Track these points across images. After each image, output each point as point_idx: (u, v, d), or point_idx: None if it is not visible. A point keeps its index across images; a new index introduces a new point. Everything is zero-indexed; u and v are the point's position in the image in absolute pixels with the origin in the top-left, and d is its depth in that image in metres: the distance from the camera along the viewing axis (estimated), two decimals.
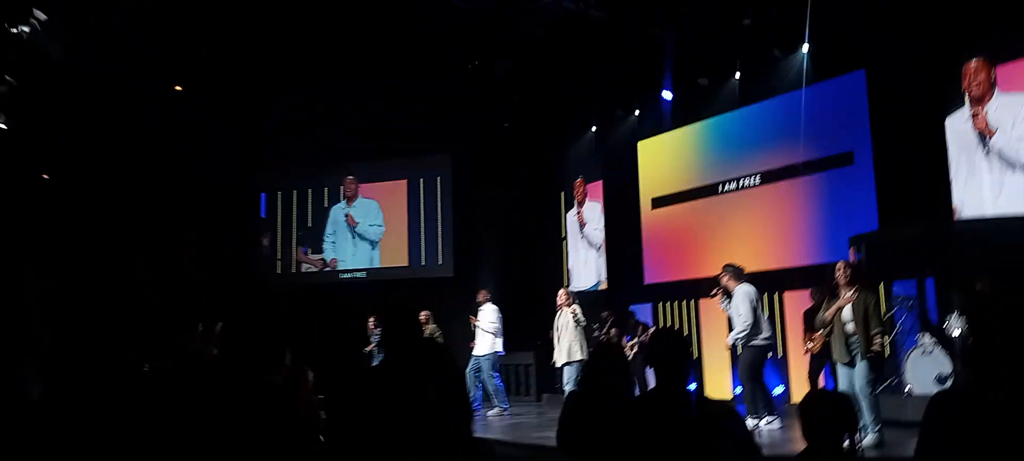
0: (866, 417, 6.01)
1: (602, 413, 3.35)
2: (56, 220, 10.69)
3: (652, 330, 10.49)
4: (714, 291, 7.96)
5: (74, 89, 10.44)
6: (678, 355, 3.13)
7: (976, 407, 2.06)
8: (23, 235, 10.17)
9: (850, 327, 6.19)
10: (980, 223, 7.91)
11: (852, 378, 6.14)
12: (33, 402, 3.29)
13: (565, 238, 13.40)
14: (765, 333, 7.38)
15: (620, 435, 3.12)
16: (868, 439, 5.95)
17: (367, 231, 13.90)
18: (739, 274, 7.67)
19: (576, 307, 8.99)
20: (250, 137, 13.65)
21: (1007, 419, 2.09)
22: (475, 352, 9.97)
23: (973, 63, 8.17)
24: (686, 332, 11.04)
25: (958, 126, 8.32)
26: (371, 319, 11.58)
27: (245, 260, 13.91)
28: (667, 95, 11.40)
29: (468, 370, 9.71)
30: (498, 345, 9.93)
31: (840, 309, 6.27)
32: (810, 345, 8.38)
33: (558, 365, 9.00)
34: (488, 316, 9.94)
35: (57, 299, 10.18)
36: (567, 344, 8.77)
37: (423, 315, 10.82)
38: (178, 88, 11.68)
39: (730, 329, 7.72)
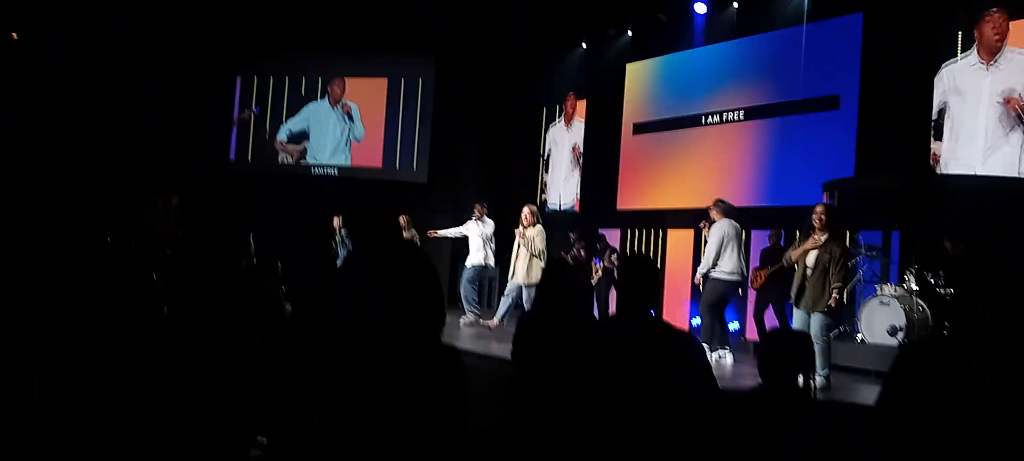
0: (817, 360, 6.12)
1: (558, 333, 3.33)
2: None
3: (619, 255, 10.53)
4: (702, 222, 8.05)
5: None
6: (648, 283, 3.10)
7: (960, 374, 2.04)
8: None
9: (809, 273, 6.20)
10: (957, 180, 7.95)
11: (807, 322, 6.20)
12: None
13: (543, 155, 13.27)
14: (729, 268, 7.41)
15: (578, 356, 3.11)
16: (818, 380, 6.07)
17: (351, 135, 13.72)
18: (727, 210, 7.72)
19: (532, 231, 8.91)
20: (225, 17, 13.15)
21: (990, 399, 2.07)
22: (468, 262, 9.98)
23: (995, 14, 8.01)
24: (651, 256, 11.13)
25: (961, 74, 8.21)
26: (338, 218, 11.44)
27: (211, 142, 13.65)
28: (661, 17, 11.19)
29: (467, 280, 9.77)
30: (486, 257, 9.89)
31: (806, 252, 6.27)
32: (756, 282, 8.55)
33: (517, 284, 8.97)
34: (488, 230, 9.90)
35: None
36: (524, 265, 8.79)
37: (403, 219, 10.71)
38: None
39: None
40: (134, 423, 2.79)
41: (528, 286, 8.66)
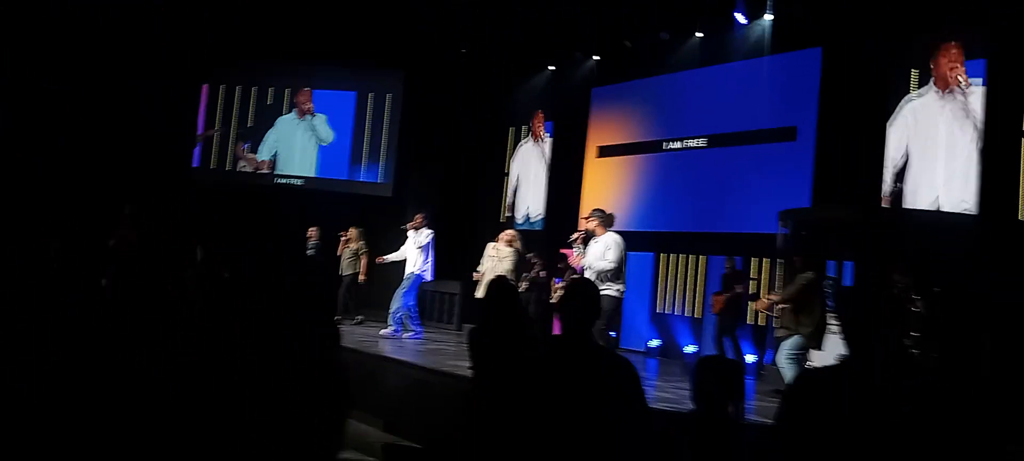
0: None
1: (501, 347, 3.39)
2: None
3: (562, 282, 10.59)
4: (574, 236, 7.29)
5: None
6: (587, 307, 3.15)
7: (835, 386, 2.13)
8: None
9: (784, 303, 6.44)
10: (908, 214, 8.15)
11: (779, 350, 6.41)
12: None
13: (507, 173, 13.33)
14: (619, 286, 6.84)
15: (519, 371, 3.17)
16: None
17: (318, 138, 13.69)
18: (610, 221, 7.15)
19: (507, 251, 8.87)
20: (193, 26, 13.10)
21: (876, 400, 2.16)
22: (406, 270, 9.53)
23: (952, 48, 8.19)
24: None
25: (921, 110, 8.41)
26: (313, 229, 11.39)
27: (176, 150, 13.54)
28: (627, 44, 11.35)
29: (403, 293, 9.36)
30: (425, 272, 9.53)
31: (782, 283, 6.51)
32: (716, 307, 8.68)
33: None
34: (422, 239, 9.47)
35: None
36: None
37: (352, 231, 10.64)
38: None
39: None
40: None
41: None
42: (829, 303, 8.16)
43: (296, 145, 13.75)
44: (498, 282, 3.80)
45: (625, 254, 6.95)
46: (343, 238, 10.71)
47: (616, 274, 6.76)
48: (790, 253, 8.21)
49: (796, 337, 6.50)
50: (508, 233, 9.07)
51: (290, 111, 13.82)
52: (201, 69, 13.73)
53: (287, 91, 13.82)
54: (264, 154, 13.76)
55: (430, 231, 9.51)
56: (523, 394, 3.08)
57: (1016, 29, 7.64)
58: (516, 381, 3.16)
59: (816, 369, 2.29)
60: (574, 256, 7.31)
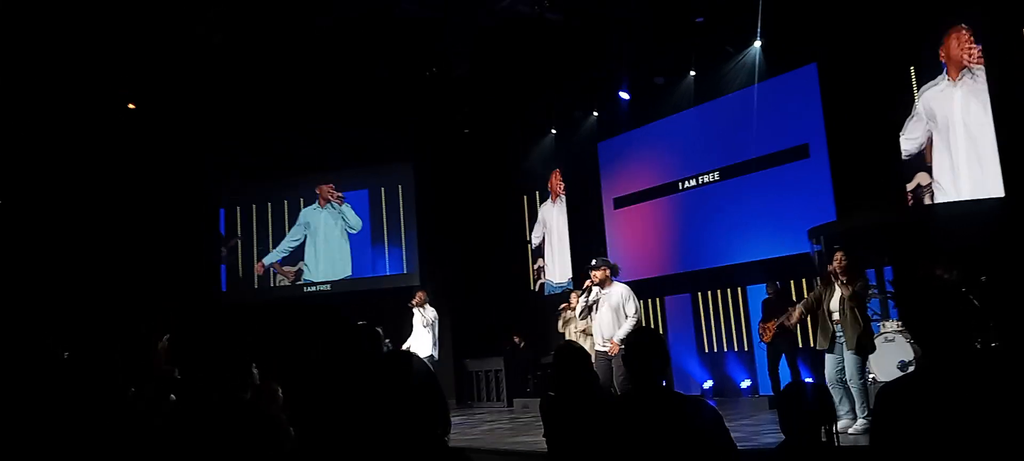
0: (857, 403, 6.12)
1: (577, 413, 3.38)
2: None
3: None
4: (585, 286, 6.82)
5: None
6: (656, 356, 3.15)
7: (926, 394, 2.10)
8: None
9: (836, 316, 6.29)
10: (941, 208, 8.12)
11: (837, 366, 6.26)
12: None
13: (529, 241, 13.39)
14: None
15: (599, 435, 3.14)
16: (858, 425, 6.06)
17: (347, 225, 13.88)
18: (617, 270, 6.92)
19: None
20: (205, 153, 13.43)
21: (957, 403, 2.13)
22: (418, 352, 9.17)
23: (963, 32, 8.22)
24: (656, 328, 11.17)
25: (933, 100, 8.42)
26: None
27: (202, 276, 13.71)
28: (624, 95, 11.52)
29: None
30: (434, 349, 9.22)
31: (829, 298, 6.37)
32: (765, 336, 8.56)
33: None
34: (429, 316, 9.24)
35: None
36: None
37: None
38: (131, 106, 11.50)
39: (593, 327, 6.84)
40: None
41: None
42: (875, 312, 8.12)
43: (320, 232, 13.90)
44: (567, 347, 3.79)
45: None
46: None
47: (637, 324, 6.49)
48: (826, 269, 8.16)
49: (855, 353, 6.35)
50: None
51: (312, 203, 14.02)
52: (214, 194, 14.01)
53: (301, 197, 14.05)
54: (293, 261, 13.91)
55: (434, 310, 9.32)
56: (609, 456, 3.05)
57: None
58: (599, 445, 3.14)
59: (899, 381, 2.25)
60: (581, 304, 6.82)
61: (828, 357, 6.38)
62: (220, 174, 13.82)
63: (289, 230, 14.03)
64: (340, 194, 13.93)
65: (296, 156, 13.64)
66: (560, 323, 9.81)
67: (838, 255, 6.45)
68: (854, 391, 6.16)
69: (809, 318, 7.09)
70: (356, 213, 13.92)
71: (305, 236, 13.96)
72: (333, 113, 12.81)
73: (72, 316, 10.95)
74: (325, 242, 13.90)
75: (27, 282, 11.15)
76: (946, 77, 8.34)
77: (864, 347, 6.23)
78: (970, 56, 8.15)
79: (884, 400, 2.32)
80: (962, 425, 2.08)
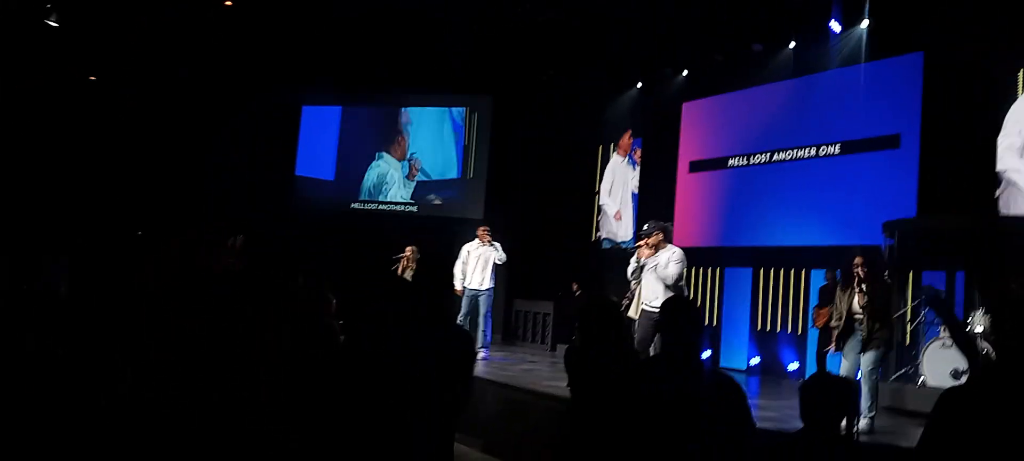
0: (863, 401, 6.03)
1: (597, 366, 3.43)
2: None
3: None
4: (642, 242, 6.86)
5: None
6: (688, 325, 3.14)
7: (991, 405, 2.04)
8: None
9: (859, 316, 6.20)
10: (1020, 222, 7.73)
11: (856, 363, 6.19)
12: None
13: (597, 193, 13.32)
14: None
15: (616, 391, 3.18)
16: (861, 424, 5.98)
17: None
18: (671, 235, 6.95)
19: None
20: (291, 54, 13.73)
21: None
22: (476, 286, 9.24)
23: None
24: (706, 301, 11.06)
25: None
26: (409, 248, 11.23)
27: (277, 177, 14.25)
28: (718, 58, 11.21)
29: (487, 312, 9.22)
30: (492, 282, 9.32)
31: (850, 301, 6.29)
32: (819, 321, 8.39)
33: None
34: (499, 252, 9.25)
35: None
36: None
37: (409, 250, 10.07)
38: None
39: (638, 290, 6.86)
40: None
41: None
42: (925, 311, 7.84)
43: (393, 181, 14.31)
44: (597, 300, 3.82)
45: (684, 271, 6.71)
46: (402, 259, 10.05)
47: (677, 288, 6.51)
48: (896, 265, 7.90)
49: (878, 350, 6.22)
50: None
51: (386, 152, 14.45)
52: (297, 94, 14.43)
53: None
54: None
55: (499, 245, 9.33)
56: (624, 415, 3.08)
57: None
58: (616, 402, 3.17)
59: (963, 387, 2.19)
60: (640, 263, 6.81)
61: (848, 354, 6.29)
62: (307, 78, 14.16)
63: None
64: (413, 157, 14.26)
65: (380, 72, 13.83)
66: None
67: (858, 260, 6.28)
68: (864, 389, 6.05)
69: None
70: (425, 139, 14.18)
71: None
72: (421, 39, 12.87)
73: (150, 208, 11.54)
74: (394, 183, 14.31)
75: (108, 173, 11.78)
76: None
77: (879, 346, 6.09)
78: None
79: (946, 404, 2.24)
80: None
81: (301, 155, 14.78)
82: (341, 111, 14.87)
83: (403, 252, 10.03)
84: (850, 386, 3.01)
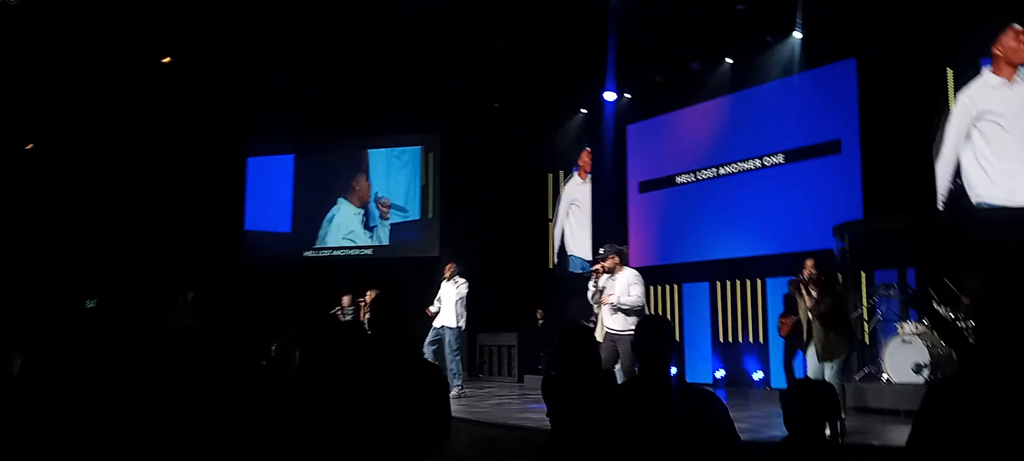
0: None
1: (582, 393, 3.37)
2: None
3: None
4: (599, 265, 6.89)
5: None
6: (665, 342, 3.13)
7: (984, 397, 2.04)
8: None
9: (813, 324, 6.21)
10: (968, 215, 7.97)
11: (820, 368, 6.21)
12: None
13: (552, 219, 13.35)
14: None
15: (603, 421, 3.14)
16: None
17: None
18: (626, 257, 7.08)
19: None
20: (240, 112, 13.53)
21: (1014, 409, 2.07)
22: (439, 324, 9.04)
23: (1015, 28, 7.96)
24: (669, 316, 11.12)
25: (981, 97, 8.19)
26: (346, 297, 11.07)
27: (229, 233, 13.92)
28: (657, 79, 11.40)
29: (427, 342, 9.01)
30: (462, 320, 9.10)
31: (809, 309, 6.32)
32: (783, 330, 8.47)
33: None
34: (461, 290, 9.10)
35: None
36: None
37: (370, 295, 10.13)
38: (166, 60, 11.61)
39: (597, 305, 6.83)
40: None
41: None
42: (882, 309, 8.00)
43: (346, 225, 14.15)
44: (572, 327, 3.78)
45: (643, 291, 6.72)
46: (363, 303, 10.02)
47: (641, 311, 6.52)
48: (849, 267, 8.07)
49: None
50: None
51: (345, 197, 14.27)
52: (244, 145, 14.19)
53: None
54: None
55: (464, 280, 9.17)
56: (609, 440, 3.05)
57: None
58: (600, 428, 3.13)
59: (950, 381, 2.20)
60: (596, 286, 6.79)
61: (811, 358, 6.32)
62: (251, 128, 13.94)
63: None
64: (376, 198, 14.11)
65: (324, 112, 13.70)
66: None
67: (809, 263, 6.34)
68: None
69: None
70: (382, 178, 14.05)
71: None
72: (366, 78, 12.78)
73: (98, 266, 11.16)
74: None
75: (55, 229, 11.39)
76: (993, 75, 8.11)
77: (842, 352, 6.11)
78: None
79: (936, 398, 2.23)
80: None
81: (251, 209, 14.46)
82: (294, 160, 14.59)
83: (362, 297, 9.90)
84: (832, 391, 3.02)
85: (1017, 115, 7.97)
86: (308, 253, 14.13)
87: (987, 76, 8.19)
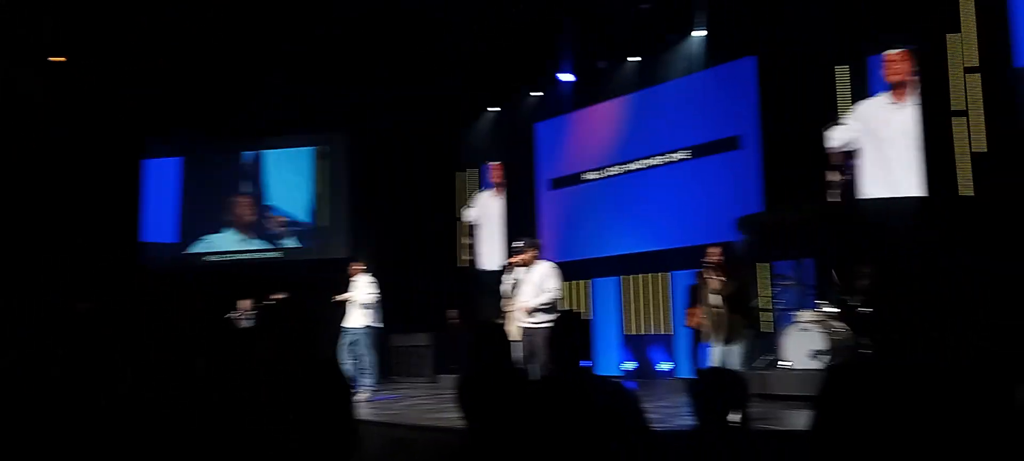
0: None
1: (494, 395, 3.33)
2: None
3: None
4: (513, 259, 7.09)
5: None
6: (576, 338, 3.14)
7: (885, 377, 2.10)
8: None
9: (716, 305, 6.42)
10: (860, 205, 8.34)
11: (724, 356, 6.40)
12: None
13: (459, 218, 13.28)
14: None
15: (518, 417, 3.11)
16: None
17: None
18: (540, 249, 7.17)
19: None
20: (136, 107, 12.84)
21: (917, 387, 2.12)
22: (347, 325, 8.95)
23: (898, 53, 8.30)
24: (579, 311, 11.25)
25: (871, 113, 8.52)
26: (245, 301, 10.72)
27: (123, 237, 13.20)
28: (566, 77, 11.50)
29: (341, 345, 8.88)
30: (374, 319, 9.00)
31: (715, 292, 6.51)
32: (691, 321, 8.66)
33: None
34: (364, 288, 9.02)
35: None
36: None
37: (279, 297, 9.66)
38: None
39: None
40: None
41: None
42: (781, 299, 8.33)
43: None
44: (485, 327, 3.75)
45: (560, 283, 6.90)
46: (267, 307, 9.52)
47: (557, 303, 6.65)
48: (753, 259, 8.33)
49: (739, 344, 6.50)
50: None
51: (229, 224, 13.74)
52: (139, 145, 13.47)
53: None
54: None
55: (371, 278, 9.06)
56: (526, 439, 3.02)
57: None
58: (518, 426, 3.11)
59: (855, 363, 2.25)
60: (510, 279, 6.97)
61: (714, 347, 6.53)
62: (146, 127, 13.26)
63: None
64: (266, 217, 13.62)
65: (230, 121, 13.19)
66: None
67: (715, 250, 6.55)
68: None
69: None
70: (287, 182, 13.62)
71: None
72: (270, 74, 12.37)
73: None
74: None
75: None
76: (889, 94, 8.46)
77: (744, 338, 6.37)
78: (908, 75, 8.30)
79: (837, 379, 2.27)
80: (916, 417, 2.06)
81: (147, 217, 13.66)
82: (182, 163, 13.85)
83: (266, 300, 9.58)
84: (740, 378, 3.08)
85: (892, 136, 8.30)
86: (196, 250, 13.53)
87: (884, 94, 8.53)
